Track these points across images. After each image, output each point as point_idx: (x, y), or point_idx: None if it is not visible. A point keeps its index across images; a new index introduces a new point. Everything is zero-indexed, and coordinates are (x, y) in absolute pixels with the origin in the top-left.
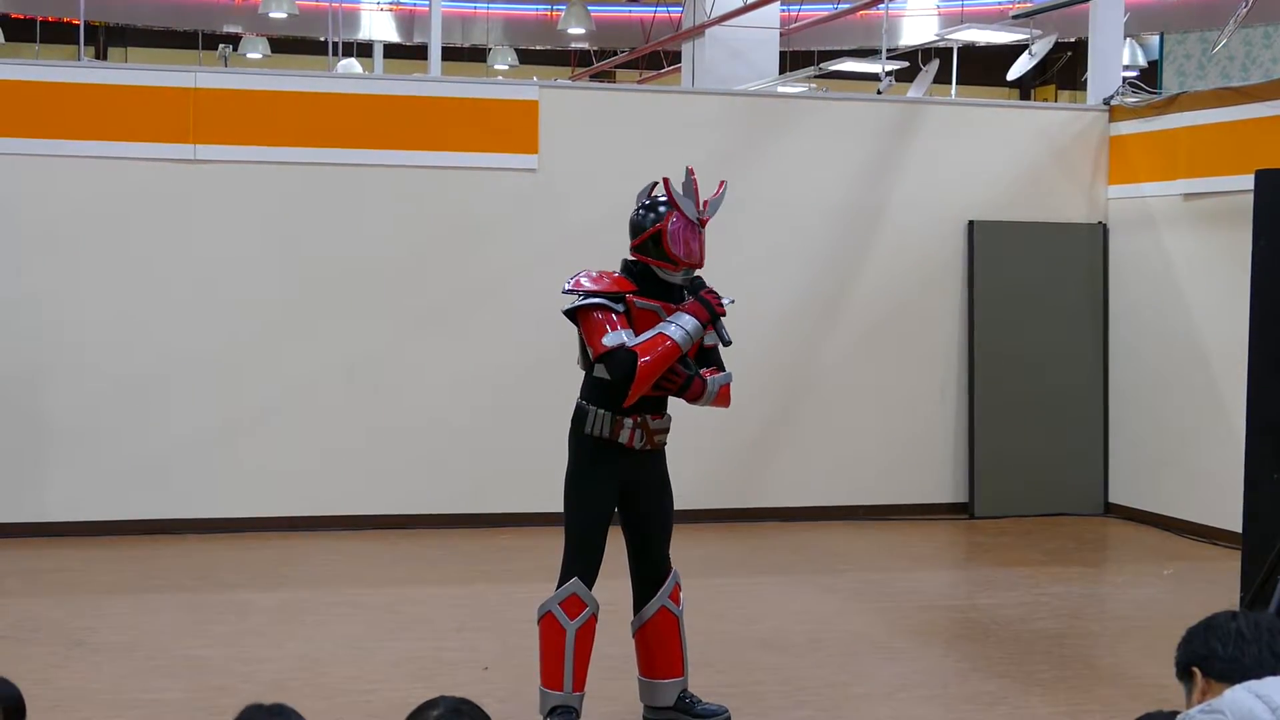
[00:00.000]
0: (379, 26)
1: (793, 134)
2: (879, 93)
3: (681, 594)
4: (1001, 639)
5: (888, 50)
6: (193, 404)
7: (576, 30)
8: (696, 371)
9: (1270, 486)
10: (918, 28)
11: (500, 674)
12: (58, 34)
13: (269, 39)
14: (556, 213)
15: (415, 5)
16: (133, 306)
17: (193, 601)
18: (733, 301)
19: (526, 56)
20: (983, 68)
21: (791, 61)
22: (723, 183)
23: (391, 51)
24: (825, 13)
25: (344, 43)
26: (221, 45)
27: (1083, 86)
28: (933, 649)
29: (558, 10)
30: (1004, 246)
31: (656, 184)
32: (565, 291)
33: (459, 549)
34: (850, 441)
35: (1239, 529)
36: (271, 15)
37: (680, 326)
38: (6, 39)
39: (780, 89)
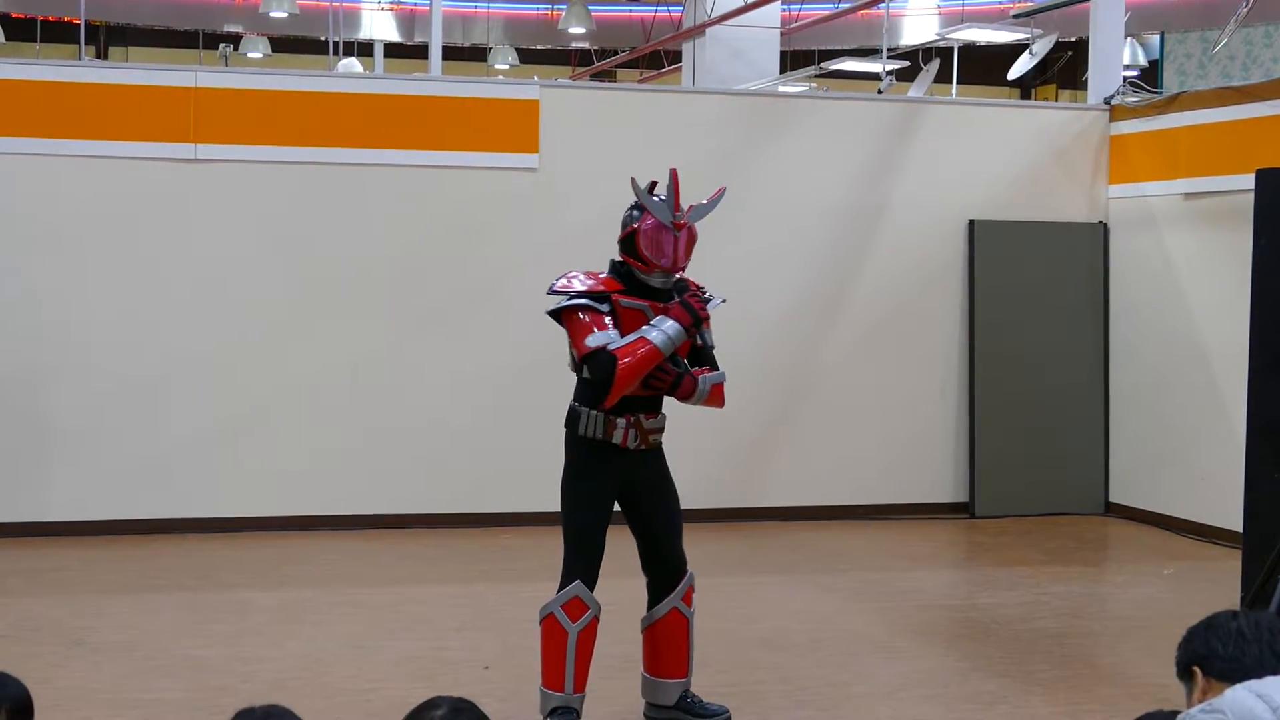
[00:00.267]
0: (379, 26)
1: (793, 134)
2: (880, 92)
3: (694, 595)
4: (1002, 638)
5: (888, 50)
6: (193, 404)
7: (577, 30)
8: (687, 370)
9: (1270, 486)
10: (918, 27)
11: (500, 673)
12: (58, 33)
13: (270, 38)
14: (557, 212)
15: (416, 5)
16: (133, 306)
17: (193, 601)
18: (724, 301)
19: (527, 56)
20: (983, 67)
21: (792, 61)
22: (721, 189)
23: (392, 51)
24: (826, 12)
25: (344, 42)
26: (222, 45)
27: (1083, 86)
28: (933, 648)
29: (558, 10)
30: (1004, 246)
31: (655, 183)
32: (550, 292)
33: (459, 548)
34: (850, 441)
35: (1240, 528)
36: (272, 15)
37: (662, 330)
38: (7, 38)
39: (781, 88)
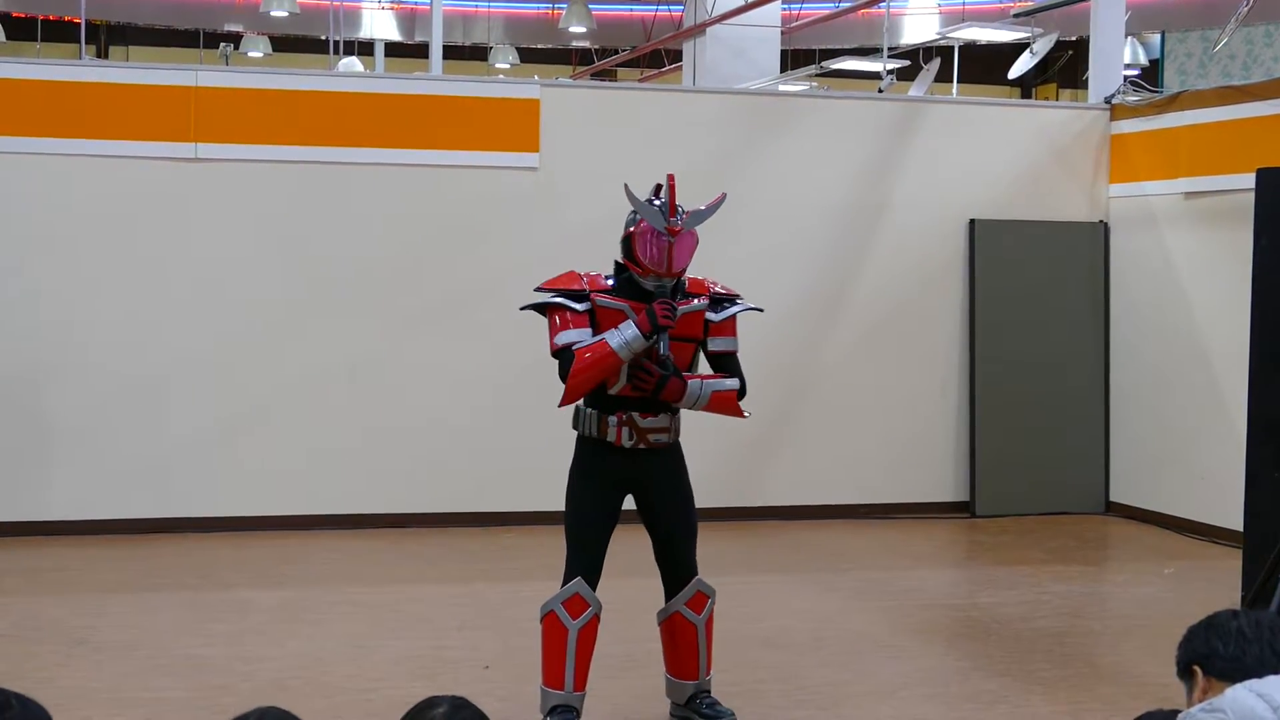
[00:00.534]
0: (380, 25)
1: (794, 133)
2: (880, 91)
3: (710, 604)
4: (1003, 638)
5: (889, 49)
6: (194, 403)
7: (578, 29)
8: (674, 372)
9: (1271, 485)
10: (919, 26)
11: (501, 673)
12: (59, 33)
13: (270, 38)
14: (557, 211)
15: (416, 4)
16: (134, 305)
17: (194, 600)
18: (756, 309)
19: (528, 55)
20: (984, 66)
21: (793, 60)
22: (721, 195)
23: (393, 50)
24: (826, 11)
25: (345, 41)
26: (223, 44)
27: (1084, 85)
28: (934, 648)
29: (559, 9)
30: (1005, 245)
31: (661, 185)
32: (536, 289)
33: (459, 548)
34: (851, 440)
35: (1240, 528)
36: (273, 14)
37: (620, 335)
38: (8, 38)
39: (781, 88)
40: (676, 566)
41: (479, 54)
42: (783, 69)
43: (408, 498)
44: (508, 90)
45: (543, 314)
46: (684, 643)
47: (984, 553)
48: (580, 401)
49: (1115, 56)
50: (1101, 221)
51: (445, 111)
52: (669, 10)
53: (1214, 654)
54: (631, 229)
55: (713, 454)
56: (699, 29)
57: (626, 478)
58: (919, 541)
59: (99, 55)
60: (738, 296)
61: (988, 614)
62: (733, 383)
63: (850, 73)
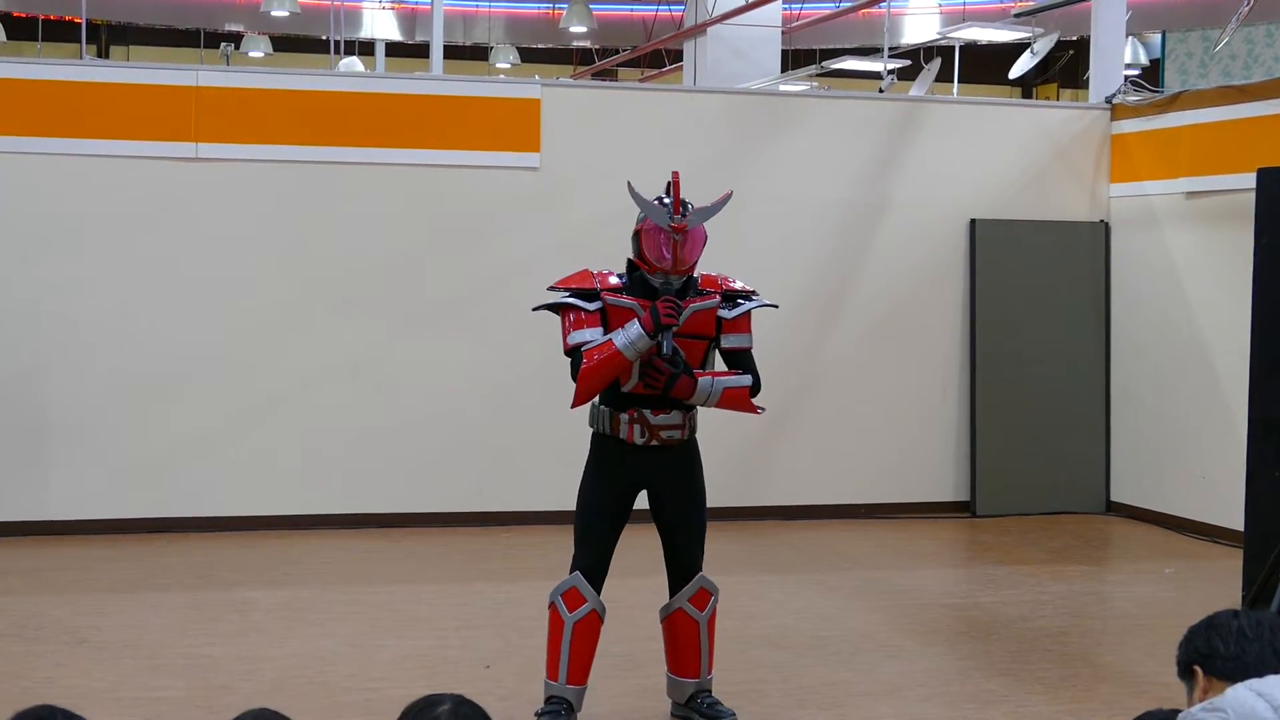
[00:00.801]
0: (381, 25)
1: (794, 132)
2: (881, 91)
3: (713, 602)
4: (1003, 637)
5: (890, 49)
6: (194, 402)
7: (578, 29)
8: (684, 369)
9: (1272, 484)
10: (919, 26)
11: (501, 672)
12: (59, 32)
13: (271, 37)
14: (558, 211)
15: (417, 3)
16: (135, 305)
17: (195, 600)
18: (770, 305)
19: (528, 55)
20: (985, 66)
21: (793, 60)
22: (728, 192)
23: (393, 50)
24: (827, 11)
25: (346, 41)
26: (223, 44)
27: (1084, 85)
28: (935, 647)
29: (560, 9)
30: (1006, 245)
31: (669, 183)
32: (549, 288)
33: (460, 547)
34: (852, 440)
35: (1241, 527)
36: (273, 14)
37: (625, 334)
38: (8, 37)
39: (782, 87)
40: (681, 562)
41: (480, 54)
42: (783, 69)
43: (408, 497)
44: (508, 90)
45: (557, 313)
46: (685, 640)
47: (985, 552)
48: (595, 399)
49: (1116, 56)
50: (1102, 221)
51: (446, 111)
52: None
53: (1215, 653)
54: (638, 227)
55: (713, 454)
56: (700, 29)
57: (639, 475)
58: (920, 541)
59: (100, 55)
60: (753, 293)
61: (988, 614)
62: (744, 379)
63: (851, 72)
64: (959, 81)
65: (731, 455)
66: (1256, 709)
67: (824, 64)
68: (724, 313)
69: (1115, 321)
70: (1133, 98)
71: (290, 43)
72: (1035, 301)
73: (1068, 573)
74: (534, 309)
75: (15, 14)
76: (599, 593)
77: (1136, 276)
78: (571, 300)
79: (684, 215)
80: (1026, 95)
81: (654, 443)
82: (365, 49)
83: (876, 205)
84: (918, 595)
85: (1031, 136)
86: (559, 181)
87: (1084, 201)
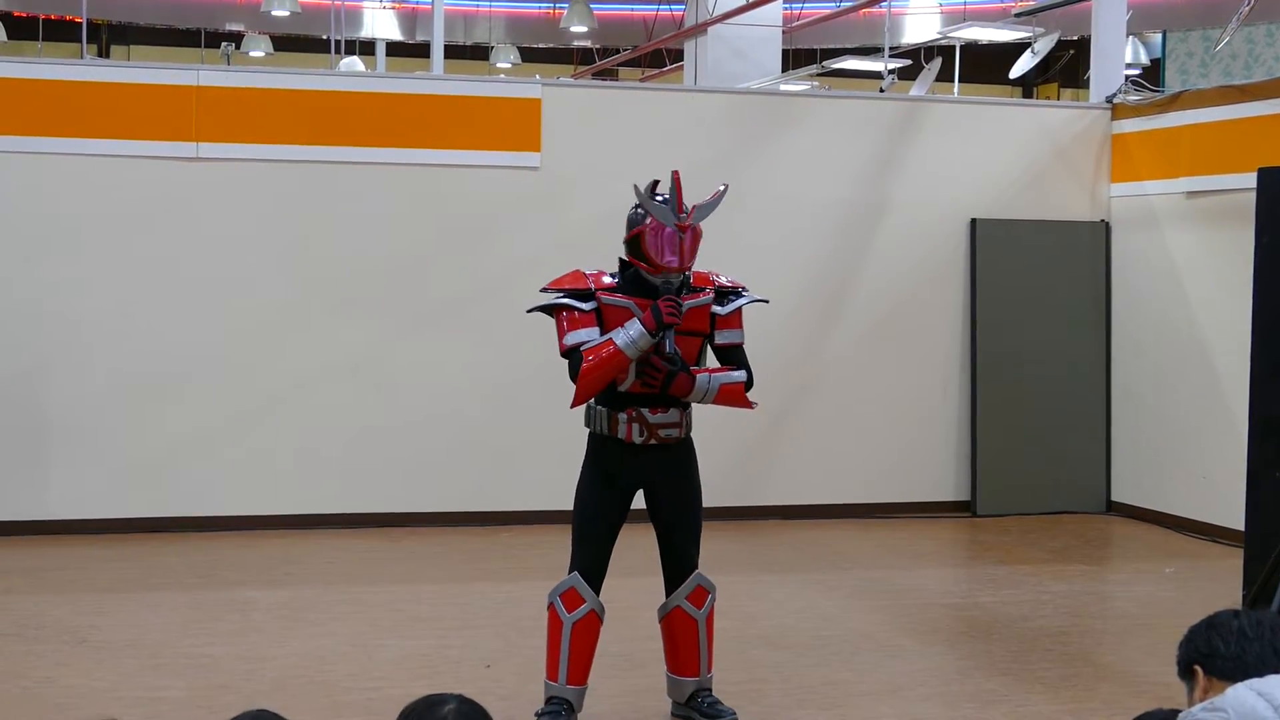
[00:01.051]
0: (381, 24)
1: (795, 132)
2: (881, 91)
3: (710, 599)
4: (1004, 637)
5: (890, 48)
6: (195, 402)
7: (579, 28)
8: (682, 367)
9: (1272, 484)
10: (920, 26)
11: (501, 672)
12: (60, 32)
13: (271, 37)
14: (559, 211)
15: (418, 3)
16: (135, 304)
17: (195, 599)
18: (762, 300)
19: (529, 54)
20: (985, 66)
21: (794, 59)
22: (723, 186)
23: (394, 49)
24: (827, 11)
25: (346, 41)
26: (224, 43)
27: (1085, 84)
28: (935, 647)
29: (560, 8)
30: (1006, 244)
31: (658, 183)
32: (542, 290)
33: (461, 547)
34: (852, 439)
35: (1241, 527)
36: (274, 13)
37: (626, 332)
38: (9, 37)
39: (782, 87)
40: (677, 560)
41: (480, 53)
42: (784, 68)
43: (409, 497)
44: (509, 90)
45: (551, 315)
46: (684, 639)
47: (985, 552)
48: (591, 399)
49: (1116, 56)
50: (1103, 221)
51: (446, 111)
52: (670, 10)
53: (1215, 653)
54: (639, 226)
55: (714, 453)
56: (700, 28)
57: (636, 474)
58: (920, 541)
59: (100, 55)
60: (742, 288)
61: (989, 613)
62: (740, 375)
63: (851, 72)
64: (959, 81)
65: (732, 455)
66: (1257, 709)
67: (824, 64)
68: (718, 309)
69: (1116, 321)
70: (1133, 97)
71: (291, 42)
72: (1036, 301)
73: (1068, 572)
74: (528, 310)
75: (16, 13)
76: (598, 593)
77: (1137, 276)
78: (567, 301)
79: (687, 214)
80: (1027, 95)
81: (652, 442)
82: (366, 49)
83: (877, 205)
84: (918, 595)
85: (1032, 136)
86: (559, 181)
87: (1084, 201)
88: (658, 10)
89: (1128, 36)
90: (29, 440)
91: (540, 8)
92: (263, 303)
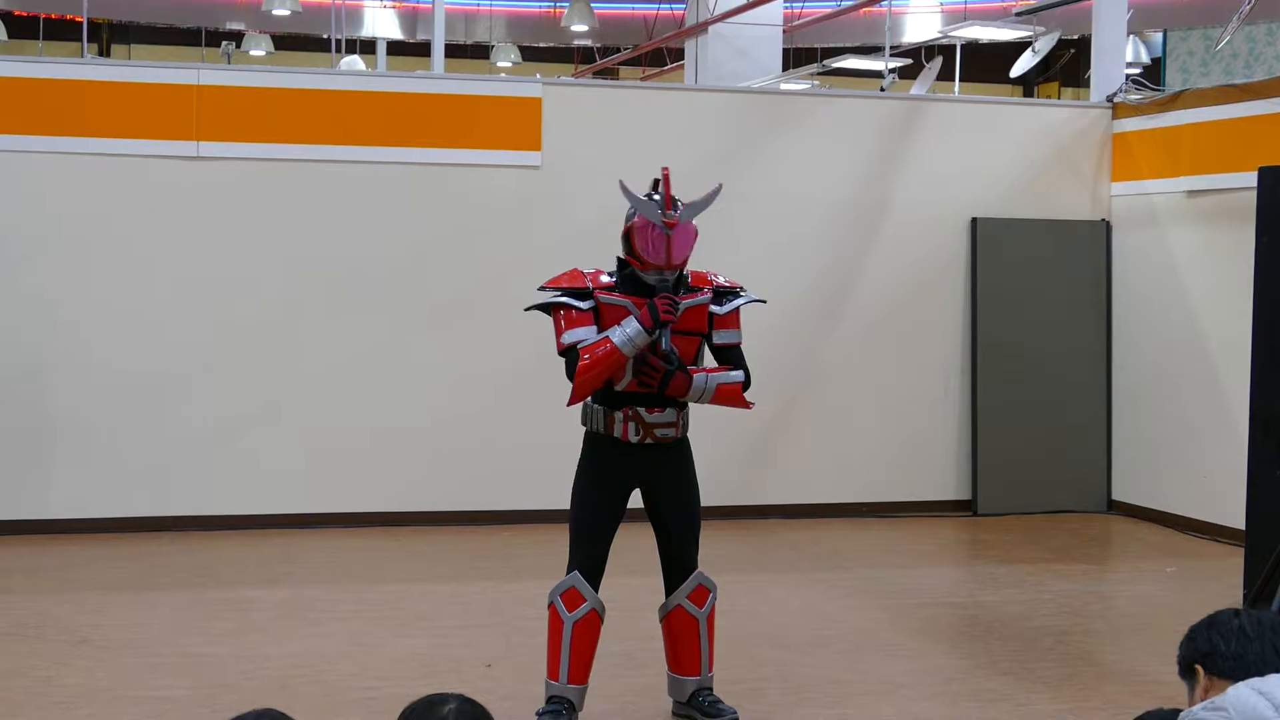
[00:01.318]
0: (382, 23)
1: (795, 131)
2: (882, 90)
3: (711, 598)
4: (1004, 636)
5: (891, 47)
6: (195, 401)
7: (580, 27)
8: (679, 366)
9: (1273, 483)
10: (921, 25)
11: (502, 671)
12: (61, 31)
13: (272, 36)
14: (560, 210)
15: (418, 2)
16: (136, 304)
17: (196, 599)
18: (759, 300)
19: (530, 53)
20: (986, 65)
21: (794, 59)
22: (717, 185)
23: (395, 49)
24: (828, 10)
25: (347, 40)
26: (225, 42)
27: (1086, 84)
28: (936, 646)
29: (561, 7)
30: (1007, 243)
31: (659, 180)
32: (539, 289)
33: (461, 546)
34: (853, 438)
35: (1242, 526)
36: (275, 12)
37: (623, 330)
38: (10, 36)
39: (783, 86)
40: (677, 560)
41: (481, 52)
42: (784, 67)
43: (409, 496)
44: (510, 89)
45: (548, 314)
46: (685, 638)
47: (986, 551)
48: (588, 398)
49: (1117, 55)
50: (1103, 220)
51: (447, 110)
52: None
53: (1216, 652)
54: (630, 224)
55: (714, 453)
56: (701, 27)
57: (633, 473)
58: (921, 540)
59: (101, 54)
60: (740, 288)
61: (989, 612)
62: (737, 375)
63: (852, 71)
64: (960, 80)
65: (732, 454)
66: (1258, 708)
67: (825, 63)
68: (715, 309)
69: (1116, 320)
70: (1134, 96)
71: (291, 41)
72: (1036, 300)
73: (1069, 572)
74: (526, 309)
75: (16, 12)
76: (597, 591)
77: (1138, 275)
78: (564, 299)
79: (675, 210)
80: (1028, 94)
81: (649, 440)
82: (367, 48)
83: (878, 204)
84: (919, 594)
85: (1033, 135)
86: (560, 180)
87: (1085, 200)
88: (658, 9)
89: (1128, 35)
90: (30, 440)
91: (541, 7)
92: (263, 302)
